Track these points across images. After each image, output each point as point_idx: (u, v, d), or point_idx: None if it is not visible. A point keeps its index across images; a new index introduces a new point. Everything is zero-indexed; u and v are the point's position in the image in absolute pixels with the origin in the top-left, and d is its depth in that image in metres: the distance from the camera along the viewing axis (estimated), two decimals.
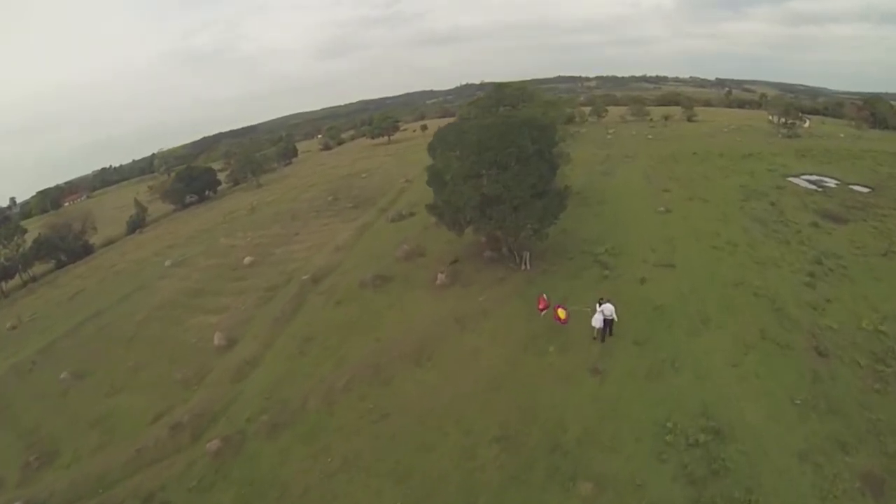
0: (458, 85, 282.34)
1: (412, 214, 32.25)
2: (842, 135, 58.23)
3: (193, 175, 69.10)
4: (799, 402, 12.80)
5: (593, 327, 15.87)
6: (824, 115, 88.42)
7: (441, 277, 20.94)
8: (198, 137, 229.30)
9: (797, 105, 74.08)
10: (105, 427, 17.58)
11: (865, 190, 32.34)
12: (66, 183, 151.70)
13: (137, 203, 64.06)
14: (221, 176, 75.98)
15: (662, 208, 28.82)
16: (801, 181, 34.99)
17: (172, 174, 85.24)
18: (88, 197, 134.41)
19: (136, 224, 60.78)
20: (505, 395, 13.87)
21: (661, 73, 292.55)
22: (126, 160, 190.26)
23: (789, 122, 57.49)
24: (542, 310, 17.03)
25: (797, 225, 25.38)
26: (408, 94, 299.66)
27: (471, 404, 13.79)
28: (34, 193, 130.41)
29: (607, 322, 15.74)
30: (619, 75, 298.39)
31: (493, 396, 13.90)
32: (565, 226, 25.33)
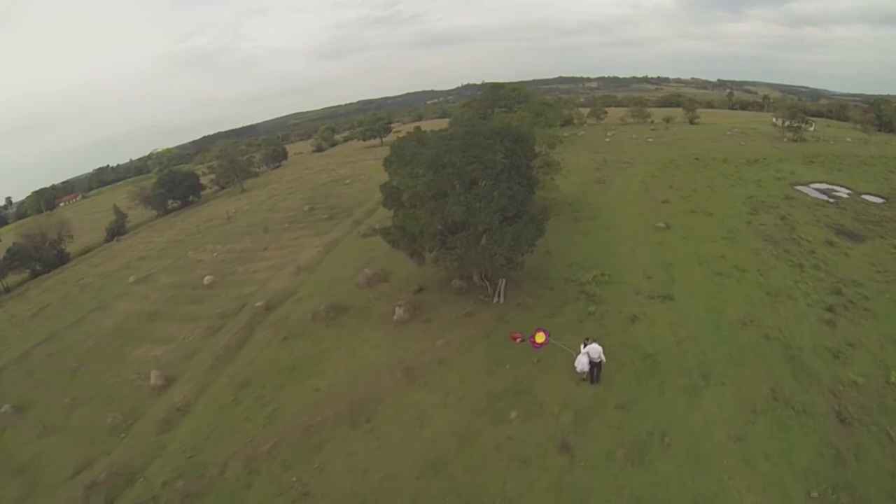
0: (460, 85, 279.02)
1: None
2: (849, 139, 55.22)
3: (175, 180, 66.43)
4: (816, 495, 10.17)
5: (577, 371, 13.72)
6: (828, 117, 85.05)
7: (399, 312, 18.18)
8: (198, 137, 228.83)
9: (802, 107, 70.88)
10: (29, 476, 16.36)
11: (879, 201, 30.12)
12: (62, 183, 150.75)
13: (117, 210, 61.65)
14: (209, 179, 73.33)
15: (661, 224, 26.22)
16: (810, 190, 32.58)
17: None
18: (83, 197, 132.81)
19: (115, 232, 58.49)
20: (446, 480, 11.22)
21: (663, 75, 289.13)
22: (124, 160, 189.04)
23: (794, 125, 54.29)
24: (518, 340, 15.54)
25: (810, 244, 22.89)
26: (408, 95, 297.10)
27: (404, 489, 11.17)
28: (30, 193, 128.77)
29: (594, 364, 13.58)
30: (621, 76, 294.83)
31: (431, 480, 11.25)
32: (550, 246, 22.82)
